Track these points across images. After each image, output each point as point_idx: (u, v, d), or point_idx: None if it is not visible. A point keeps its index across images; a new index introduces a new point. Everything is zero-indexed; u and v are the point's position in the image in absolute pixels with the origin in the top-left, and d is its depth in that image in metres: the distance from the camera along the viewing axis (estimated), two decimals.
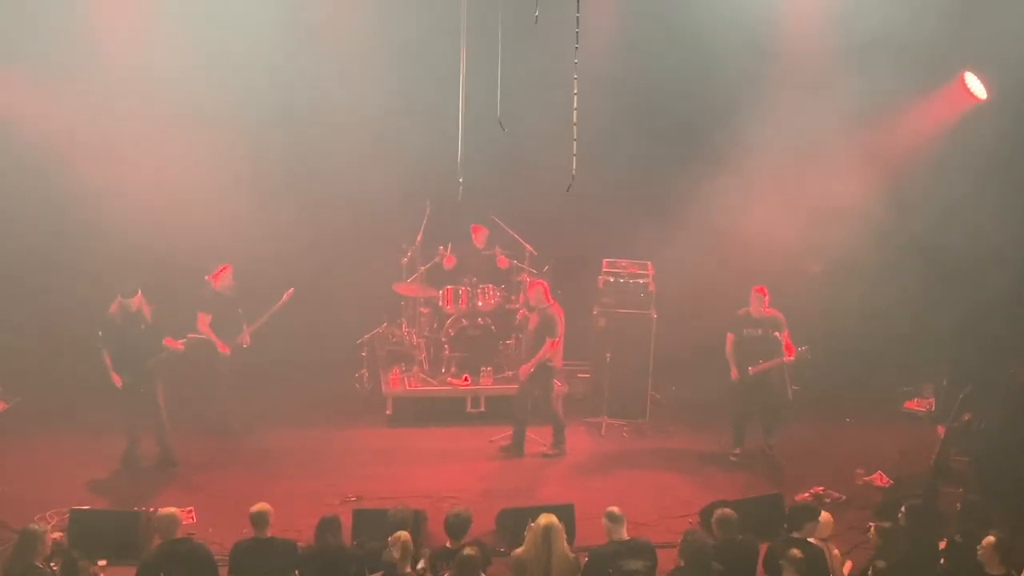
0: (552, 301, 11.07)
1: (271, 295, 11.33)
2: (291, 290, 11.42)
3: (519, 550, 7.71)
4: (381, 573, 7.59)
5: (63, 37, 11.22)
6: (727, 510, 8.20)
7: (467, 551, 7.40)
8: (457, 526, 7.88)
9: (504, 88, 7.86)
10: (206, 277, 11.10)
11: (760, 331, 10.87)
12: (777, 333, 10.82)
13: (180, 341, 10.38)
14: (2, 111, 11.36)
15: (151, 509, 9.01)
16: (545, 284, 11.21)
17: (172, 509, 7.99)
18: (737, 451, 11.23)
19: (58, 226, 11.97)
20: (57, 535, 8.24)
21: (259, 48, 11.47)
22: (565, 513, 8.78)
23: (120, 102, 11.69)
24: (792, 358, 10.76)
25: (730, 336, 11.05)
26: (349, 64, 12.10)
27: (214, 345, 11.02)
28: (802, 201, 11.74)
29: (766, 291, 10.91)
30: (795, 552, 7.46)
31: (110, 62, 11.48)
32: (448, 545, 7.85)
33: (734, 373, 11.03)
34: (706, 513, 9.51)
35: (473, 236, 12.65)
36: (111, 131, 11.64)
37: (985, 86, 11.82)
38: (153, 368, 10.30)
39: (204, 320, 11.01)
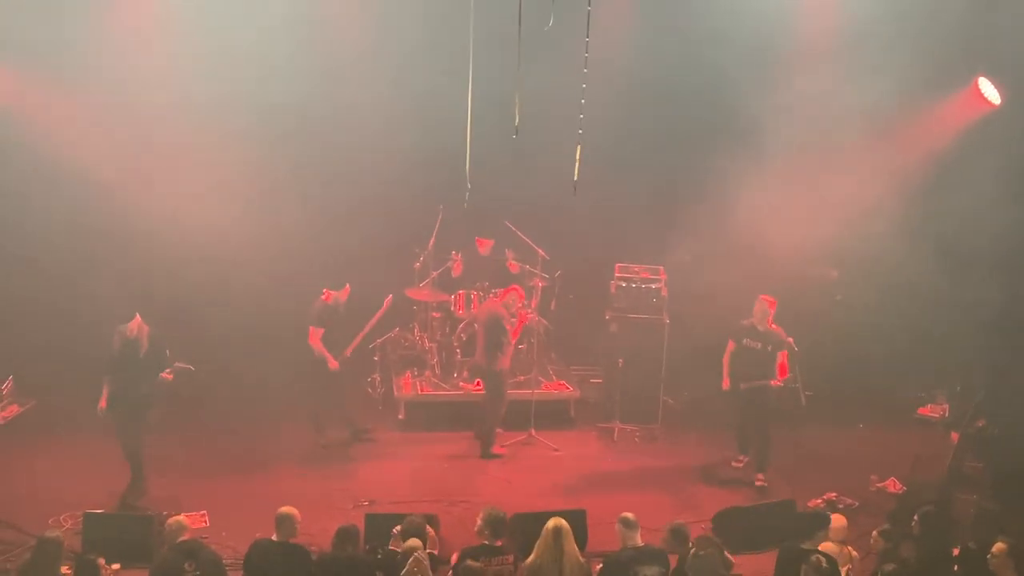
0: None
1: (277, 298, 11.31)
2: (389, 297, 11.42)
3: (530, 559, 7.71)
4: None
5: (75, 45, 11.22)
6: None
7: (470, 563, 7.44)
8: (499, 523, 7.87)
9: (518, 93, 7.85)
10: (324, 289, 10.96)
11: (759, 345, 10.58)
12: (777, 351, 10.51)
13: (170, 372, 9.84)
14: (25, 117, 11.36)
15: (164, 513, 9.03)
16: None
17: (180, 517, 8.08)
18: (742, 458, 11.17)
19: (80, 231, 11.96)
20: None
21: (264, 51, 11.47)
22: (578, 518, 8.79)
23: (126, 109, 11.68)
24: (780, 383, 10.46)
25: (730, 343, 10.85)
26: (362, 68, 12.08)
27: (325, 360, 10.89)
28: (817, 205, 11.69)
29: (774, 303, 10.58)
30: (819, 559, 7.37)
31: (122, 68, 11.47)
32: (487, 542, 7.82)
33: (725, 383, 10.85)
34: (719, 519, 9.52)
35: (479, 248, 12.73)
36: (123, 138, 11.67)
37: (999, 91, 11.79)
38: (147, 398, 9.80)
39: (316, 334, 10.87)
